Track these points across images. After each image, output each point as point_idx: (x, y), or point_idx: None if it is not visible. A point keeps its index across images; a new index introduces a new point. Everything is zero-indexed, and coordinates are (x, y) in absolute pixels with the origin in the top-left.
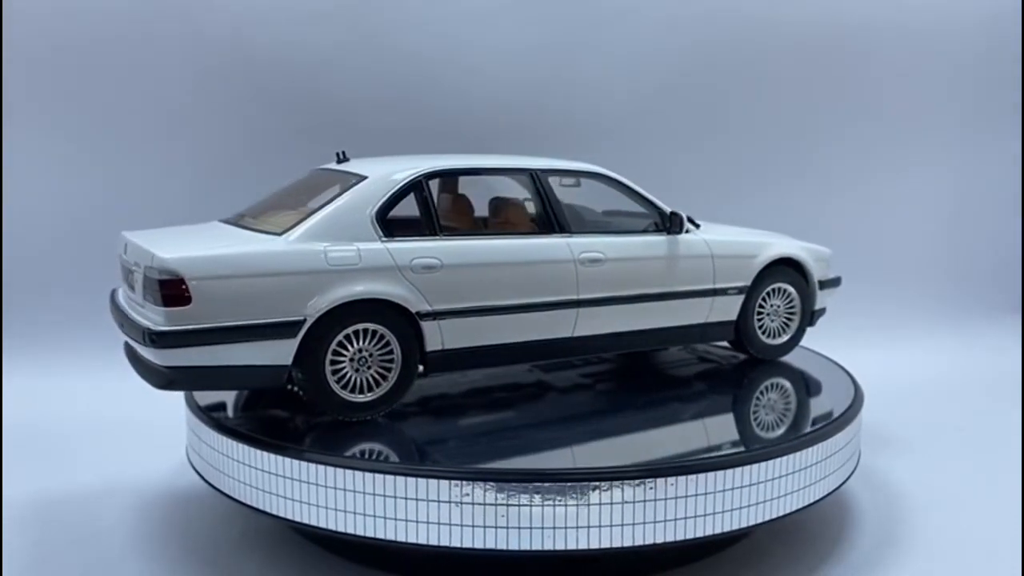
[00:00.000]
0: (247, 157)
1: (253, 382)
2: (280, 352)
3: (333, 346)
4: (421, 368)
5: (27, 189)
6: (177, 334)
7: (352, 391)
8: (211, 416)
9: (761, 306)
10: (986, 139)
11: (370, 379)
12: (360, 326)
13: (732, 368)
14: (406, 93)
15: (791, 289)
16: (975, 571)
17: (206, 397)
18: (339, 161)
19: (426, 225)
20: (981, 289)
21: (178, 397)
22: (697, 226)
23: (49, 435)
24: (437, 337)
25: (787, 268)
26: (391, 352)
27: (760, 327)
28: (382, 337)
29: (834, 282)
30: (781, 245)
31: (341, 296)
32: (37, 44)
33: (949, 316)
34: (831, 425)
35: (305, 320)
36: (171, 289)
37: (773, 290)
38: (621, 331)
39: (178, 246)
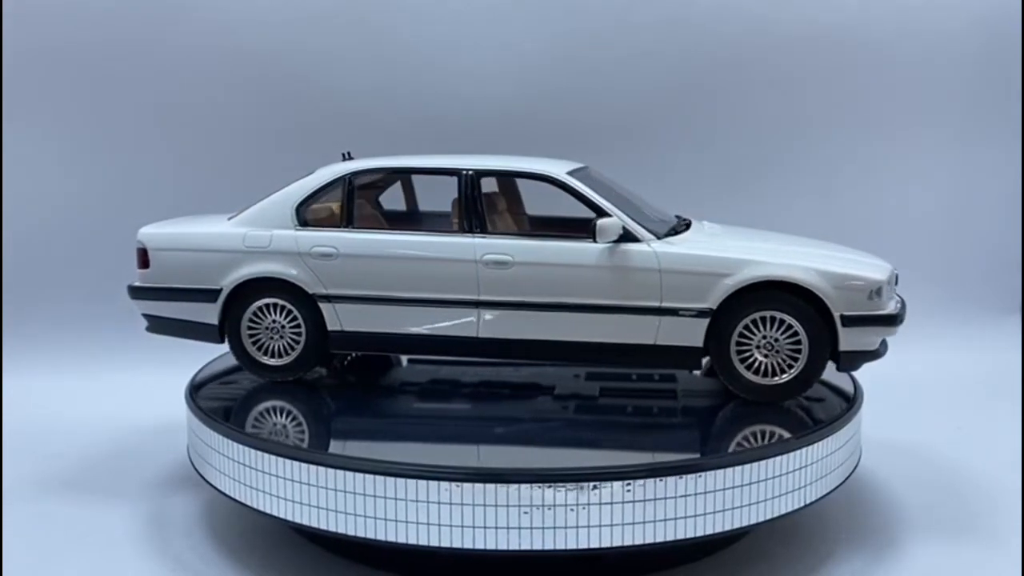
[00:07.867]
0: (256, 158)
1: (197, 335)
2: (208, 313)
3: (249, 314)
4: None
5: (28, 189)
6: (142, 289)
7: (267, 355)
8: (212, 417)
9: (747, 336)
10: (986, 139)
11: (282, 347)
12: (270, 300)
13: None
14: (413, 93)
15: (791, 320)
16: (975, 571)
17: (207, 398)
18: (343, 160)
19: (341, 218)
20: (981, 289)
21: (178, 398)
22: (683, 229)
23: (49, 435)
24: (335, 318)
25: (788, 294)
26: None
27: (746, 361)
28: (291, 312)
29: (882, 319)
30: (776, 265)
31: (247, 273)
32: (40, 45)
33: (949, 316)
34: (831, 424)
35: (222, 289)
36: (140, 255)
37: (763, 319)
38: (536, 339)
39: (159, 225)
